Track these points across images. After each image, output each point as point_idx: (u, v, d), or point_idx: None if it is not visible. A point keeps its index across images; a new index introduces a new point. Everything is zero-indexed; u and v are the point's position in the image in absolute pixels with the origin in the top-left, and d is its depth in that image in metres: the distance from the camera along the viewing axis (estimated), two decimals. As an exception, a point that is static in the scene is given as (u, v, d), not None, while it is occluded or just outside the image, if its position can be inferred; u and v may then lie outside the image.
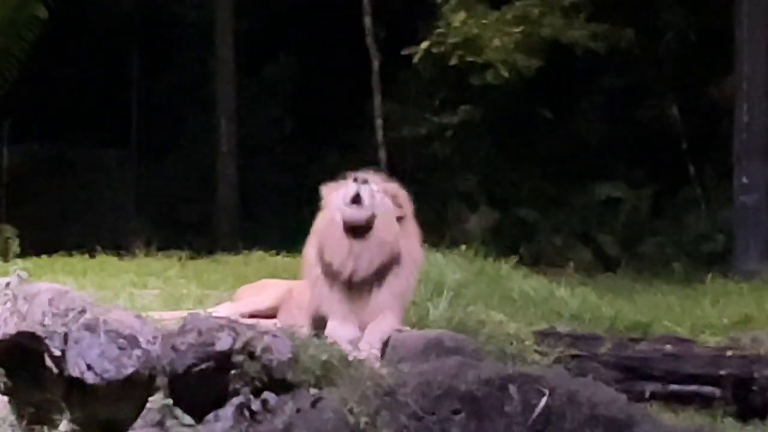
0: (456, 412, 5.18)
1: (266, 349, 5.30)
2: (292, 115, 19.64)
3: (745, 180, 12.86)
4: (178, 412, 5.25)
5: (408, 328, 6.22)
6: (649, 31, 16.40)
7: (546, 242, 15.31)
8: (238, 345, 5.27)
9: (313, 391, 5.32)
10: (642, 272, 13.07)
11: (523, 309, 7.44)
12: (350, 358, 5.57)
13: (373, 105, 16.49)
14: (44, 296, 5.38)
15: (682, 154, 16.51)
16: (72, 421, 5.20)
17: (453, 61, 15.17)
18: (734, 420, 6.31)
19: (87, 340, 5.21)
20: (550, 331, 6.81)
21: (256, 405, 5.25)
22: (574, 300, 7.90)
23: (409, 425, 5.12)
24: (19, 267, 6.18)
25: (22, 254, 11.25)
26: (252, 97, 18.36)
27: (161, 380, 5.27)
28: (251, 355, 5.27)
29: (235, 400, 5.26)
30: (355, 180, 6.21)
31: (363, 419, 5.11)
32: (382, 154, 15.92)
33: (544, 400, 5.16)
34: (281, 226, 15.29)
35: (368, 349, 5.87)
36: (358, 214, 6.14)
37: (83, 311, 5.32)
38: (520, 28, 15.04)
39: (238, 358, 5.25)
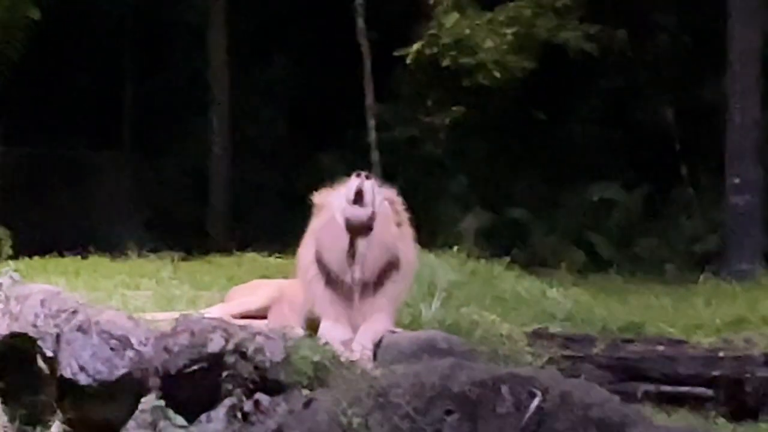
0: (449, 412, 5.18)
1: (258, 350, 5.30)
2: (286, 117, 19.62)
3: (737, 181, 12.86)
4: (171, 413, 5.25)
5: (401, 329, 6.21)
6: (642, 33, 16.42)
7: (539, 243, 15.30)
8: (231, 346, 5.27)
9: (305, 392, 5.31)
10: (635, 273, 13.05)
11: (516, 310, 7.45)
12: (343, 359, 5.56)
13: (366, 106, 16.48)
14: (36, 297, 5.39)
15: (674, 155, 16.52)
16: (64, 422, 5.21)
17: (446, 63, 15.19)
18: (727, 420, 6.34)
19: (79, 341, 5.22)
20: (543, 331, 6.83)
21: (248, 406, 5.26)
22: (567, 301, 7.91)
23: (401, 426, 5.12)
24: (11, 268, 6.17)
25: (15, 255, 11.22)
26: (246, 99, 18.34)
27: (153, 381, 5.27)
28: (243, 356, 5.27)
29: (228, 401, 5.26)
30: (358, 175, 6.23)
31: (356, 420, 5.11)
32: (375, 155, 15.90)
33: (536, 400, 5.16)
34: (274, 228, 15.26)
35: (361, 350, 5.85)
36: (359, 214, 6.14)
37: (76, 312, 5.33)
38: (513, 30, 15.05)
39: (231, 359, 5.25)
